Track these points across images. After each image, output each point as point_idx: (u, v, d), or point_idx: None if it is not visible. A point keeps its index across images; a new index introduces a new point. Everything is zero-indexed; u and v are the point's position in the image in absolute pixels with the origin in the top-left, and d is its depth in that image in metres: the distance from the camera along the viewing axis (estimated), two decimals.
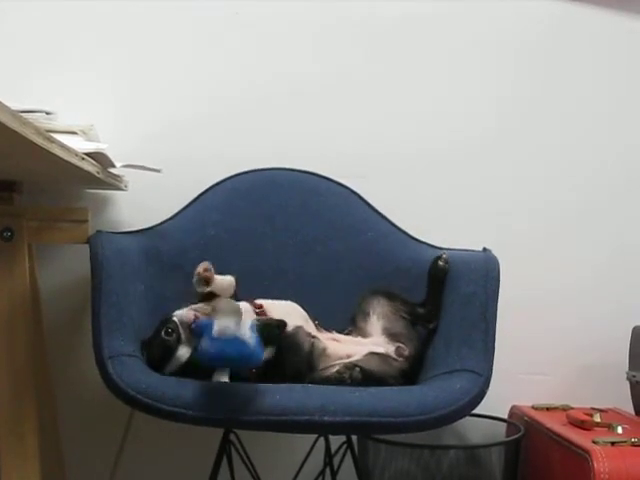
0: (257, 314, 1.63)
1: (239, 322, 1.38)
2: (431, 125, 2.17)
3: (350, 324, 1.78)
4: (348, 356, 1.66)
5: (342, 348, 1.68)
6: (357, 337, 1.74)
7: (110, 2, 2.03)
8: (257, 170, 2.01)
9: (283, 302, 1.71)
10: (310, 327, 1.69)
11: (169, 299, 1.71)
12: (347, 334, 1.76)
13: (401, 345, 1.70)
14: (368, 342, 1.72)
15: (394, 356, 1.68)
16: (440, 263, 1.75)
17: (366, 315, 1.77)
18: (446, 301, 1.70)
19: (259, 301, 1.68)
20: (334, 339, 1.71)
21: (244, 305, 1.64)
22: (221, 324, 1.37)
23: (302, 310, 1.72)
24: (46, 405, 1.85)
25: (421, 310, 1.75)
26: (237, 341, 1.35)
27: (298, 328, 1.64)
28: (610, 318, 2.18)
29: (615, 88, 2.23)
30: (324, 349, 1.66)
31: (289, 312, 1.67)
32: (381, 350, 1.68)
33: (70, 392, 2.00)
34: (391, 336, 1.72)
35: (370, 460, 1.88)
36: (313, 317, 1.73)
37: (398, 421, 1.40)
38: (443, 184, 2.17)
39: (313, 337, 1.67)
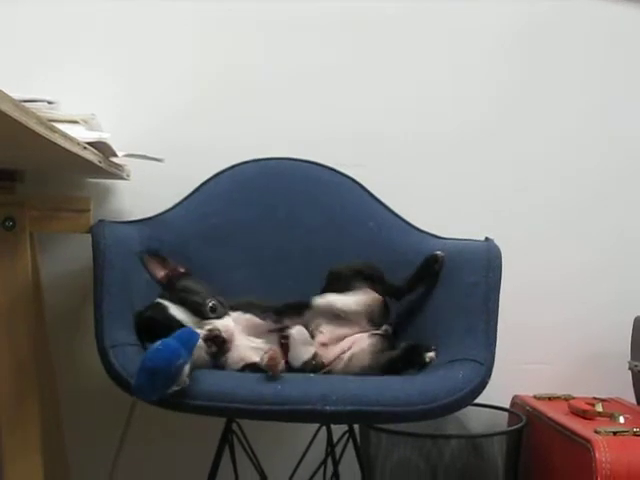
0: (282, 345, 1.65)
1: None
2: (430, 114, 2.17)
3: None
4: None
5: (331, 352, 1.69)
6: (333, 324, 1.72)
7: None
8: (259, 160, 2.01)
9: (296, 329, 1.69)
10: (310, 347, 1.69)
11: None
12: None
13: (387, 328, 1.74)
14: (351, 340, 1.71)
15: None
16: (436, 267, 1.73)
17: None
18: (448, 290, 1.70)
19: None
20: (323, 344, 1.70)
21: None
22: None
23: (304, 330, 1.70)
24: (48, 395, 1.86)
25: (395, 291, 1.77)
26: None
27: (305, 364, 1.65)
28: (612, 308, 2.18)
29: (616, 78, 2.23)
30: (323, 362, 1.66)
31: (304, 341, 1.67)
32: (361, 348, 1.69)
33: (72, 381, 2.00)
34: (373, 322, 1.73)
35: (372, 449, 1.88)
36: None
37: (400, 410, 1.40)
38: (443, 173, 2.17)
39: (314, 357, 1.66)
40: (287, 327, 1.67)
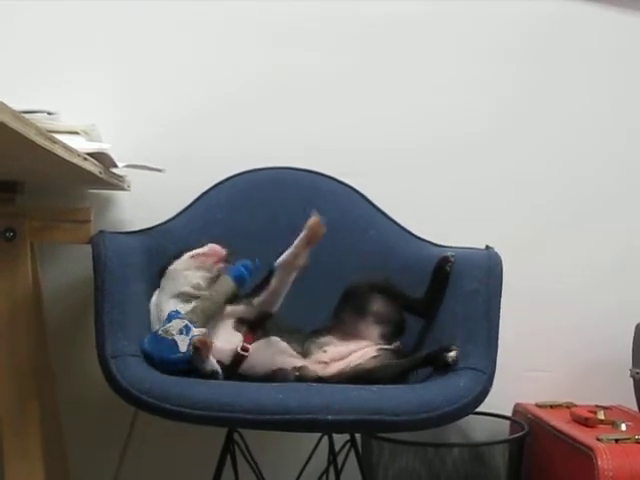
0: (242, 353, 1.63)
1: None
2: (431, 122, 2.18)
3: (334, 317, 1.74)
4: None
5: (334, 368, 1.65)
6: (342, 343, 1.71)
7: (111, 3, 2.03)
8: (260, 169, 2.01)
9: (263, 341, 1.66)
10: (292, 358, 1.65)
11: None
12: (328, 330, 1.73)
13: (398, 345, 1.71)
14: (359, 355, 1.68)
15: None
16: (447, 269, 1.71)
17: (360, 314, 1.72)
18: (449, 299, 1.70)
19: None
20: (321, 362, 1.66)
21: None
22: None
23: (283, 344, 1.66)
24: (49, 405, 1.85)
25: (418, 305, 1.74)
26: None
27: (276, 372, 1.62)
28: (614, 315, 2.18)
29: (618, 85, 2.23)
30: (314, 377, 1.62)
31: (270, 352, 1.64)
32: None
33: (73, 392, 2.00)
34: (386, 338, 1.71)
35: (374, 458, 1.88)
36: (296, 344, 1.68)
37: (401, 419, 1.40)
38: (444, 181, 2.17)
39: (298, 369, 1.62)
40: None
